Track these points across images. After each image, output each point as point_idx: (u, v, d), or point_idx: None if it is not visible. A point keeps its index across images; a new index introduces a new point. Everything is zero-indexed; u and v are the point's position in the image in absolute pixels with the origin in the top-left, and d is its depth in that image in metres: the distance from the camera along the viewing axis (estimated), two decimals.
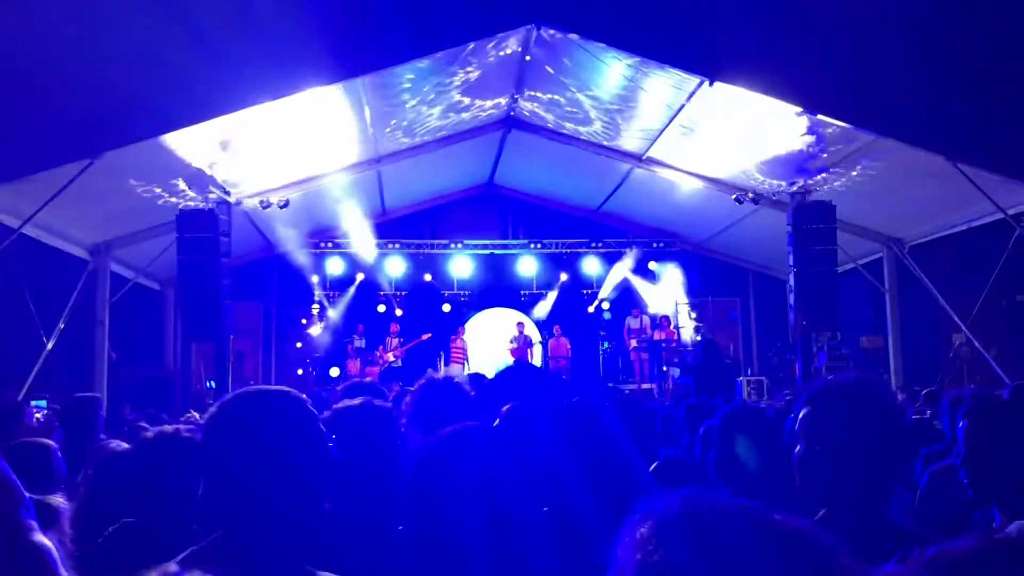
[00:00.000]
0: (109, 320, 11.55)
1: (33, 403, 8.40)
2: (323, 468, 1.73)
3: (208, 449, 1.71)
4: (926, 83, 8.02)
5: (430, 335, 16.13)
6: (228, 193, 11.09)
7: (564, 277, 17.02)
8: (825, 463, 1.94)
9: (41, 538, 0.65)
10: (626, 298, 17.03)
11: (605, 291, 17.23)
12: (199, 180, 10.52)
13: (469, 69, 10.33)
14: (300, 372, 16.21)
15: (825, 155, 10.45)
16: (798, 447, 2.01)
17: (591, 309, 17.30)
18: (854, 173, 10.58)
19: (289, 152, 11.15)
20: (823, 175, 10.85)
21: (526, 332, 16.78)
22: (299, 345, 16.40)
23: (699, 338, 14.18)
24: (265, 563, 1.60)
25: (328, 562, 1.74)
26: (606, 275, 17.22)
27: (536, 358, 16.89)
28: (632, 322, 16.47)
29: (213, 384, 12.25)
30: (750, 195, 12.49)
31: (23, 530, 0.64)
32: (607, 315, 17.19)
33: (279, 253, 15.35)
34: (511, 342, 16.46)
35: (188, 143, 9.37)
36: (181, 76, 7.75)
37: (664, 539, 0.85)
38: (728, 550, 0.82)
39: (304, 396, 1.84)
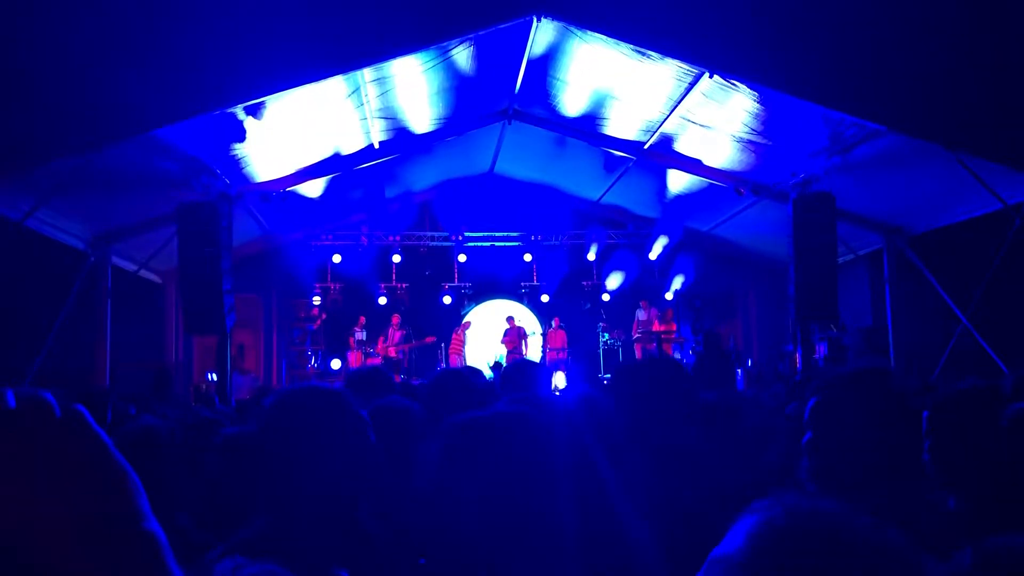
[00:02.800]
0: (110, 313, 11.58)
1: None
2: (366, 468, 1.77)
3: (263, 444, 1.75)
4: (927, 73, 8.01)
5: (434, 339, 16.18)
6: (229, 185, 11.10)
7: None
8: (836, 451, 1.95)
9: (153, 526, 0.66)
10: (633, 290, 17.07)
11: (609, 283, 17.29)
12: (201, 172, 10.53)
13: (469, 59, 10.33)
14: (301, 364, 16.26)
15: (826, 146, 10.44)
16: (807, 435, 2.03)
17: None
18: (855, 164, 10.57)
19: (290, 143, 11.16)
20: (823, 166, 10.83)
21: (517, 324, 16.82)
22: (300, 337, 16.44)
23: (699, 329, 14.20)
24: (294, 559, 1.62)
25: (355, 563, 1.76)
26: (607, 266, 17.26)
27: (532, 349, 16.94)
28: (640, 314, 16.50)
29: (215, 377, 12.27)
30: (750, 186, 12.51)
31: (137, 517, 0.66)
32: (605, 296, 17.24)
33: (280, 245, 15.39)
34: (503, 335, 16.52)
35: (191, 134, 9.37)
36: (185, 67, 7.76)
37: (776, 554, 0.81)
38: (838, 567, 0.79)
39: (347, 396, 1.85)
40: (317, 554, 1.66)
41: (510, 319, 16.79)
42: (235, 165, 11.04)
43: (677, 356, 15.43)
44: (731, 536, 0.86)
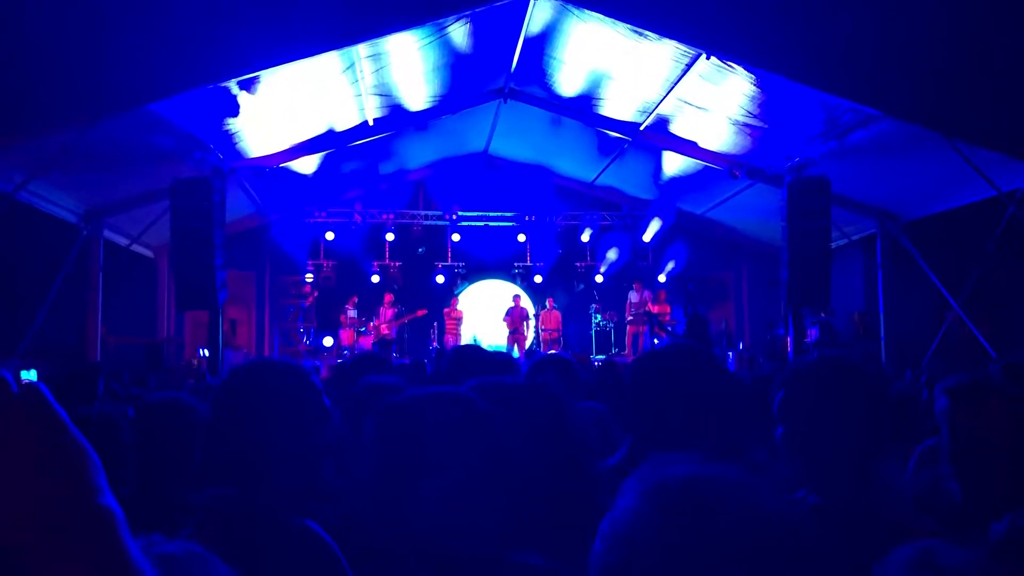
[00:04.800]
0: (102, 287, 11.55)
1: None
2: (324, 436, 1.83)
3: (216, 414, 1.81)
4: (924, 59, 7.99)
5: (426, 311, 16.17)
6: (222, 160, 11.05)
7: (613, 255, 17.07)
8: (807, 442, 1.96)
9: (108, 501, 0.67)
10: (626, 272, 17.09)
11: (602, 264, 17.31)
12: (194, 147, 10.47)
13: (466, 37, 10.27)
14: (293, 341, 16.26)
15: (822, 131, 10.43)
16: (780, 426, 2.03)
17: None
18: (850, 149, 10.56)
19: (284, 119, 11.11)
20: (819, 151, 10.82)
21: (521, 305, 16.83)
22: (292, 314, 16.43)
23: (689, 312, 14.24)
24: (263, 520, 1.67)
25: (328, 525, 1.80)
26: (601, 247, 17.27)
27: (530, 331, 16.97)
28: (633, 295, 16.52)
29: (206, 353, 12.26)
30: (745, 170, 12.51)
31: (90, 492, 0.66)
32: (599, 278, 17.27)
33: (273, 221, 15.34)
34: (506, 314, 16.51)
35: (185, 109, 9.31)
36: (180, 41, 7.69)
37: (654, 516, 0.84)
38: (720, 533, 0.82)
39: (307, 369, 1.91)
40: (281, 511, 1.72)
41: (516, 298, 16.79)
42: (228, 140, 10.98)
43: (664, 336, 15.45)
44: (622, 497, 0.89)
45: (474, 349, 3.27)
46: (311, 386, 1.85)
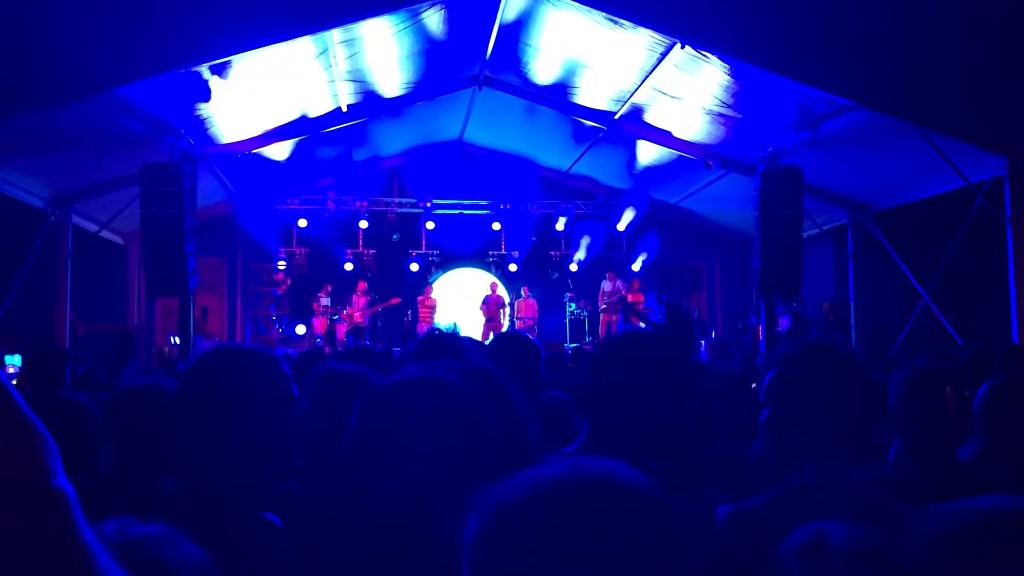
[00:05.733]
0: (71, 274, 11.39)
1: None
2: (291, 423, 1.81)
3: (181, 400, 1.78)
4: (896, 49, 8.06)
5: (400, 300, 16.13)
6: (193, 145, 10.92)
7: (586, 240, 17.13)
8: (792, 426, 1.97)
9: (62, 483, 0.66)
10: (600, 261, 17.14)
11: (576, 253, 17.34)
12: (165, 132, 10.34)
13: (441, 23, 10.22)
14: (266, 328, 16.16)
15: (795, 120, 10.50)
16: (766, 410, 2.05)
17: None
18: (822, 139, 10.64)
19: (256, 104, 10.99)
20: (792, 140, 10.89)
21: (498, 293, 16.83)
22: (265, 301, 16.32)
23: (663, 300, 14.30)
24: (224, 511, 1.66)
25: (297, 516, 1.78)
26: (575, 236, 17.30)
27: (506, 319, 16.98)
28: (606, 284, 16.56)
29: (177, 340, 12.15)
30: (719, 159, 12.57)
31: (44, 474, 0.65)
32: (573, 267, 17.30)
33: (245, 208, 15.20)
34: (482, 303, 16.51)
35: (155, 93, 9.19)
36: (150, 24, 7.58)
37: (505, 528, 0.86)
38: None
39: (275, 355, 1.89)
40: (245, 502, 1.71)
41: (492, 286, 16.79)
42: (200, 125, 10.85)
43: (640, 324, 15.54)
44: (509, 487, 0.90)
45: (442, 335, 3.24)
46: (278, 372, 1.83)
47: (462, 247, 17.46)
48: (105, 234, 12.77)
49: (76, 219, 11.68)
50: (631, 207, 16.28)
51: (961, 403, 2.69)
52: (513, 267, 17.54)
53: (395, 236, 17.13)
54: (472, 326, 16.20)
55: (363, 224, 16.68)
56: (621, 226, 16.66)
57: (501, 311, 16.68)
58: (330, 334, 15.72)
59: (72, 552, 0.64)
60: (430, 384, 1.64)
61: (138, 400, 2.60)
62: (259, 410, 1.74)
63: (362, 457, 1.59)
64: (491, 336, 15.47)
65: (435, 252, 17.61)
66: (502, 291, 17.18)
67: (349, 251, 16.88)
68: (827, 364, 2.00)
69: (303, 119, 12.23)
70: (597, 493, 0.86)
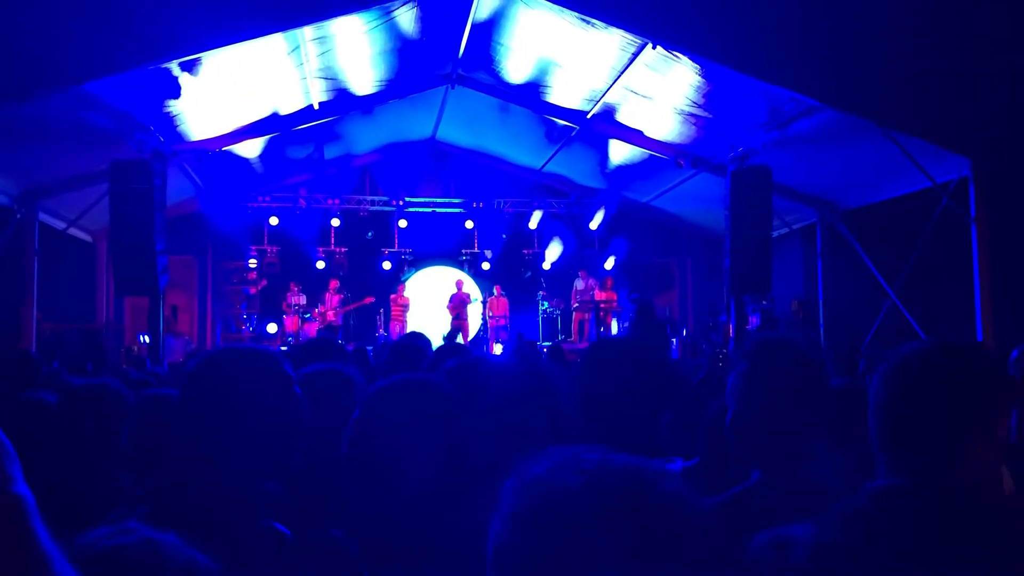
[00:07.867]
0: (38, 272, 11.24)
1: None
2: (293, 426, 1.81)
3: (186, 401, 1.77)
4: (862, 50, 8.17)
5: (373, 299, 16.06)
6: (163, 143, 10.82)
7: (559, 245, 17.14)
8: (755, 424, 1.98)
9: (20, 488, 0.66)
10: (572, 259, 17.17)
11: (548, 251, 17.36)
12: (134, 128, 10.23)
13: (413, 21, 10.20)
14: (236, 327, 16.03)
15: (764, 121, 10.60)
16: (731, 409, 2.06)
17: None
18: (791, 139, 10.76)
19: (226, 101, 10.90)
20: (761, 140, 11.00)
21: (465, 290, 16.81)
22: (236, 300, 16.19)
23: (634, 299, 14.37)
24: (219, 514, 1.65)
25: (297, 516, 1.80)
26: (548, 235, 17.32)
27: (475, 316, 16.97)
28: (578, 283, 16.60)
29: (147, 339, 12.02)
30: (690, 159, 12.66)
31: (3, 480, 0.65)
32: (546, 265, 17.33)
33: (216, 206, 15.06)
34: (449, 300, 16.49)
35: (124, 89, 9.09)
36: (121, 18, 7.49)
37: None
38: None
39: (279, 355, 1.91)
40: (245, 506, 1.70)
41: (458, 283, 16.76)
42: (170, 122, 10.75)
43: (615, 325, 15.62)
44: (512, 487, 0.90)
45: (412, 340, 3.23)
46: (282, 372, 1.83)
47: (435, 245, 17.43)
48: (73, 231, 12.60)
49: (43, 216, 11.53)
50: (603, 206, 16.34)
51: None
52: (486, 265, 17.53)
53: (369, 234, 17.06)
54: (441, 325, 16.17)
55: (335, 222, 16.59)
56: (593, 225, 16.72)
57: (467, 307, 16.66)
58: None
59: (30, 558, 0.64)
60: (419, 387, 1.71)
61: (86, 400, 2.58)
62: (263, 411, 1.74)
63: (363, 457, 1.63)
64: (458, 334, 15.41)
65: (408, 251, 17.56)
66: (469, 288, 17.16)
67: (321, 249, 16.79)
68: (786, 360, 2.00)
69: (274, 116, 12.16)
70: (643, 483, 0.86)
